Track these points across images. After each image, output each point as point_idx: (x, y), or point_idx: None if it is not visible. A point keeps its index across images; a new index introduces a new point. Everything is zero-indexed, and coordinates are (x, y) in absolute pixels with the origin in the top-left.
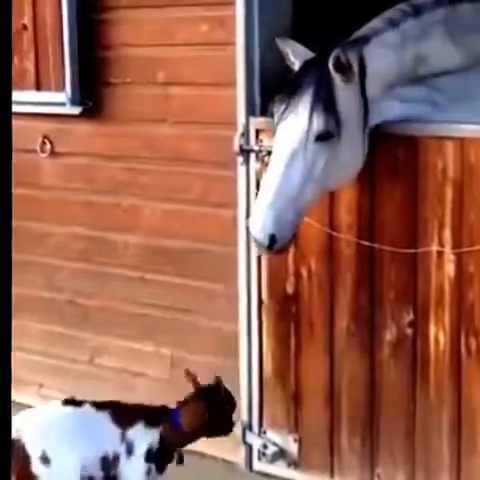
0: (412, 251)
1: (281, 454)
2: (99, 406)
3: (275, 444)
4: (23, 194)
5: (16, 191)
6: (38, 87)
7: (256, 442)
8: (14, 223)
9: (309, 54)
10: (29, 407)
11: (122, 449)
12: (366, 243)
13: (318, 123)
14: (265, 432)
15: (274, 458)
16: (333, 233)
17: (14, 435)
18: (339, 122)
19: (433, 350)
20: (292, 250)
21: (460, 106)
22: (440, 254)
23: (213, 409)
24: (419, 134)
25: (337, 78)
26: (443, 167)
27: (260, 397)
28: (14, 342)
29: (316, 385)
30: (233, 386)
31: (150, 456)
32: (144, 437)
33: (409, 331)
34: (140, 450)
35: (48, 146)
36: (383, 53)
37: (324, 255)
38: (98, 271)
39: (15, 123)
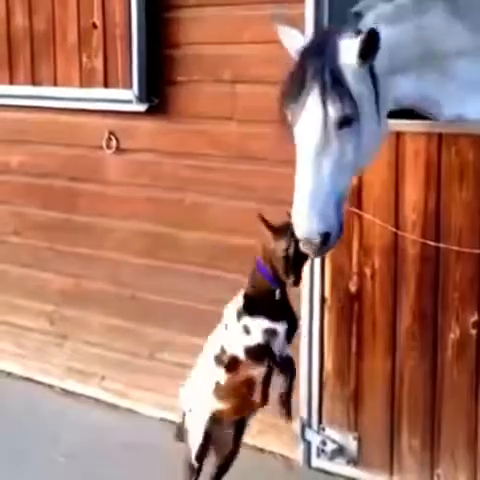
0: (478, 251)
1: (340, 451)
2: None
3: (334, 441)
4: (89, 189)
5: (82, 186)
6: (106, 84)
7: (315, 439)
8: (80, 218)
9: (300, 38)
10: (90, 398)
11: None
12: (431, 243)
13: (334, 110)
14: (324, 429)
15: (333, 455)
16: (398, 232)
17: None
18: (354, 104)
19: None
20: (356, 248)
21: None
22: None
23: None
24: None
25: (347, 60)
26: None
27: (320, 394)
28: (79, 335)
29: (377, 384)
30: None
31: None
32: None
33: (473, 332)
34: None
35: (114, 142)
36: (380, 28)
37: (388, 254)
38: (161, 266)
39: (83, 119)
